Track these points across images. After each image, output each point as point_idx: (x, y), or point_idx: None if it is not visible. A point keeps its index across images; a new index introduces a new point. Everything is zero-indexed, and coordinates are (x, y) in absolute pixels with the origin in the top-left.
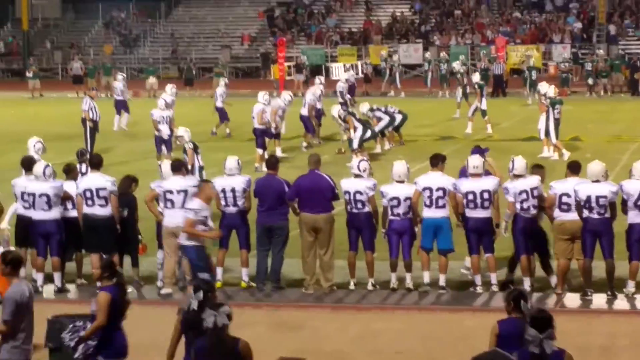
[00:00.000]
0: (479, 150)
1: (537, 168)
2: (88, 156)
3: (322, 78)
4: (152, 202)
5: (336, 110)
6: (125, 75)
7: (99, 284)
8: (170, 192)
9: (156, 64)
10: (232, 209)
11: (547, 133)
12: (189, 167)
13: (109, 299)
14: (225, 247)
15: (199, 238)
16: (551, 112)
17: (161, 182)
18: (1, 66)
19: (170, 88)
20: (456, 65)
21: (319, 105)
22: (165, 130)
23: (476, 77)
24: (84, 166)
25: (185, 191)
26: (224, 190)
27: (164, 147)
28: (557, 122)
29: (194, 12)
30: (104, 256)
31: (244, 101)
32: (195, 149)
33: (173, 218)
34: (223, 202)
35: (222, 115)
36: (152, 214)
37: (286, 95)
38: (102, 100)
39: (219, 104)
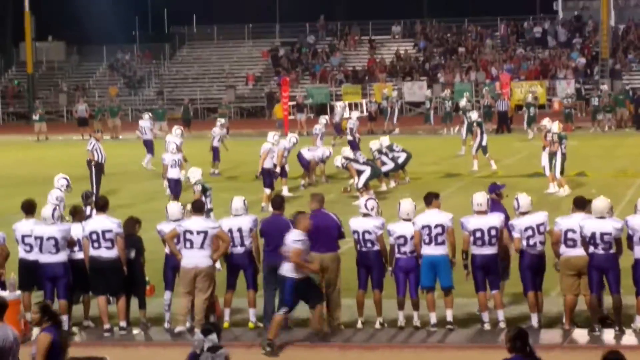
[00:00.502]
0: (494, 187)
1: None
2: (93, 198)
3: (327, 117)
4: (172, 240)
5: (339, 160)
6: (151, 115)
7: (36, 328)
8: (190, 232)
9: (165, 105)
10: (239, 249)
11: (552, 168)
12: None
13: (49, 340)
14: (232, 288)
15: (301, 270)
16: (559, 147)
17: (182, 221)
18: (6, 109)
19: (175, 130)
20: (463, 102)
21: (320, 145)
22: (176, 174)
23: (474, 115)
24: (89, 208)
25: (206, 232)
26: (230, 231)
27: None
28: (564, 157)
29: (198, 53)
30: (111, 298)
31: (248, 141)
32: (204, 191)
33: (191, 259)
34: (230, 243)
35: (215, 155)
36: (158, 256)
37: (292, 137)
38: (108, 142)
39: (215, 143)
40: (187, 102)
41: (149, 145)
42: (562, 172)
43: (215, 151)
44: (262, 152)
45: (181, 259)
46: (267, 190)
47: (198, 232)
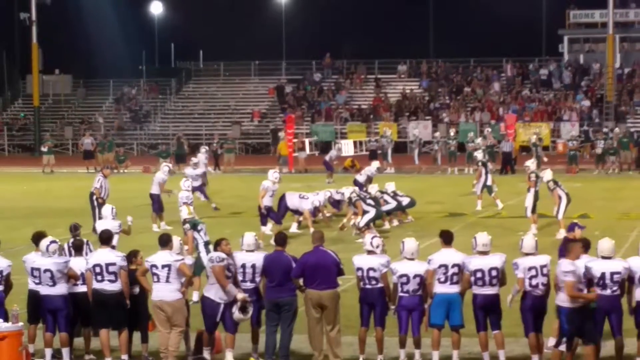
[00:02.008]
0: (574, 226)
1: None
2: (80, 231)
3: (334, 153)
4: (143, 276)
5: (349, 191)
6: (207, 148)
7: None
8: (155, 266)
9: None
10: (249, 285)
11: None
12: (186, 248)
13: None
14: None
15: (577, 300)
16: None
17: (150, 256)
18: (12, 141)
19: (163, 167)
20: (478, 154)
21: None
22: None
23: (480, 155)
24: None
25: (169, 266)
26: (244, 266)
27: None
28: (568, 198)
29: (205, 89)
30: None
31: (253, 177)
32: (195, 227)
33: (157, 292)
34: (241, 278)
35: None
36: None
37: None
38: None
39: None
40: (180, 136)
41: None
42: (533, 211)
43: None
44: (261, 190)
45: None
46: (263, 228)
47: (162, 266)
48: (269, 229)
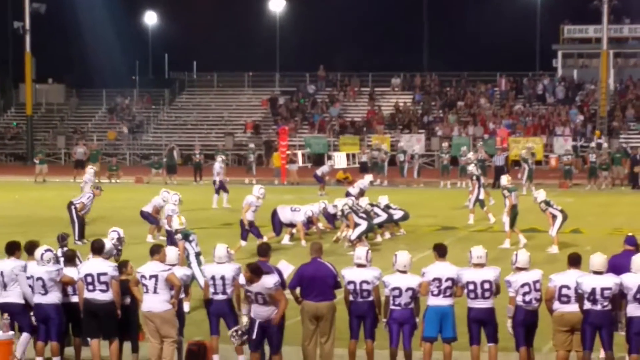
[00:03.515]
0: (633, 240)
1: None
2: (67, 241)
3: (326, 169)
4: (135, 286)
5: (342, 203)
6: (224, 157)
7: None
8: (144, 277)
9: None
10: (220, 297)
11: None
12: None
13: None
14: (216, 334)
15: None
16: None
17: (140, 267)
18: (4, 150)
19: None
20: (472, 168)
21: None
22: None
23: (474, 169)
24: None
25: (156, 276)
26: (213, 278)
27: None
28: (564, 215)
29: (198, 100)
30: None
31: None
32: (186, 237)
33: (146, 303)
34: (212, 290)
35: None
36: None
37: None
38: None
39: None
40: (172, 147)
41: (220, 186)
42: (511, 226)
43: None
44: (245, 205)
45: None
46: (243, 243)
47: (150, 277)
48: (287, 238)
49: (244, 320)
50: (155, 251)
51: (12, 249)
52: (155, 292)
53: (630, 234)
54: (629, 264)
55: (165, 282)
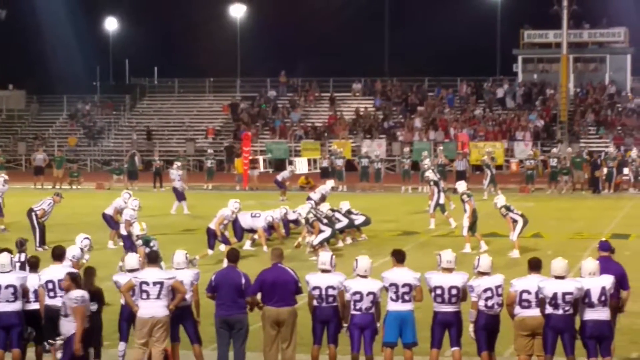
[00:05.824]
0: (607, 245)
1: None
2: (26, 247)
3: (287, 174)
4: (128, 292)
5: (305, 210)
6: (179, 164)
7: None
8: (147, 283)
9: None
10: (181, 303)
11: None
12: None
13: None
14: (176, 340)
15: None
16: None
17: (138, 272)
18: None
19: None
20: (428, 174)
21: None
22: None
23: (431, 175)
24: (23, 255)
25: (162, 283)
26: None
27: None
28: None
29: (159, 105)
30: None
31: (207, 194)
32: (147, 243)
33: (148, 309)
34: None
35: None
36: (112, 308)
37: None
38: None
39: None
40: (133, 152)
41: (176, 193)
42: (470, 229)
43: None
44: (219, 216)
45: (137, 310)
46: (210, 251)
47: (154, 283)
48: (249, 244)
49: None
50: (154, 259)
51: None
52: (158, 298)
53: (603, 239)
54: (606, 271)
55: (169, 289)
